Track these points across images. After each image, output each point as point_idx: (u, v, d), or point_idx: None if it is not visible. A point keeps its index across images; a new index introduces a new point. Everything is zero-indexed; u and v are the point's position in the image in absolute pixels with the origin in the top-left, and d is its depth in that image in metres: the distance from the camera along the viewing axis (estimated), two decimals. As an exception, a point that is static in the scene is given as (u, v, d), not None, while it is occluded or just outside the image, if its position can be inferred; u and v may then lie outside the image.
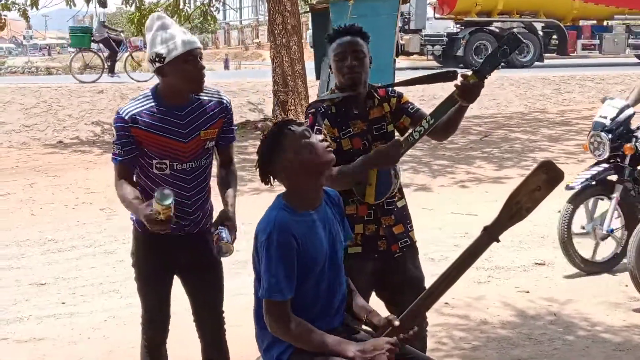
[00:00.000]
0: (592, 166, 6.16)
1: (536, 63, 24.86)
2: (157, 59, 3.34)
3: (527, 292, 5.80)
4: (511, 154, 11.74)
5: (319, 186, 3.07)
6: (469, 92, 3.39)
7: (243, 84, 17.90)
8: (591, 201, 6.18)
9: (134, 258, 3.66)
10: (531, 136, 13.20)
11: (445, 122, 3.55)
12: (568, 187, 5.91)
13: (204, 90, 3.50)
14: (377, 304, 3.81)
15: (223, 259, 3.52)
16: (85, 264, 6.72)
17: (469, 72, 3.39)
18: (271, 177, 3.05)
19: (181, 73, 3.34)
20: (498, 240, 3.01)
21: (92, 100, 14.81)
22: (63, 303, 5.81)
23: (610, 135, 6.03)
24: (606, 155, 6.05)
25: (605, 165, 6.07)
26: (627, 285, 5.96)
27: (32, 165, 11.19)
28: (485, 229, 3.00)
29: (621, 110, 6.08)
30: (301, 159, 2.97)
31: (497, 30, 25.25)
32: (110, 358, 4.79)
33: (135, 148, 3.42)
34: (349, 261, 3.33)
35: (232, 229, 3.45)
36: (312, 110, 3.64)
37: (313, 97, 15.29)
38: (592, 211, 6.21)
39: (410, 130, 3.63)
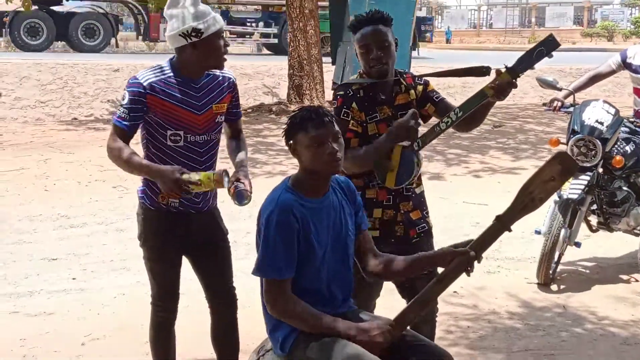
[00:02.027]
0: (578, 173, 5.71)
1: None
2: (193, 34, 3.40)
3: (537, 283, 5.79)
4: (526, 144, 11.70)
5: (325, 180, 3.08)
6: (501, 89, 3.39)
7: (258, 67, 17.88)
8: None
9: (143, 238, 3.67)
10: (546, 128, 13.14)
11: (471, 115, 3.56)
12: (563, 198, 5.66)
13: None
14: (389, 290, 3.83)
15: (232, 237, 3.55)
16: (96, 241, 6.75)
17: (503, 70, 3.37)
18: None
19: (212, 49, 3.44)
20: (510, 230, 3.01)
21: (107, 79, 14.84)
22: (74, 279, 5.84)
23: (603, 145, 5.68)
24: (594, 163, 5.71)
25: (590, 173, 5.72)
26: (636, 280, 5.96)
27: (47, 141, 11.23)
28: (498, 218, 3.01)
29: (615, 117, 5.81)
30: (308, 155, 2.98)
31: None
32: (119, 334, 4.82)
33: (143, 116, 3.45)
34: None
35: (247, 185, 3.48)
36: (341, 93, 3.66)
37: (328, 82, 15.28)
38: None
39: (438, 121, 3.64)
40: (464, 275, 3.04)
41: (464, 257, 3.00)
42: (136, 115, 3.44)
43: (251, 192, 3.50)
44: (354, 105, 3.60)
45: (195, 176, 3.31)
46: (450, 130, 3.70)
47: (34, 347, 4.62)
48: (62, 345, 4.65)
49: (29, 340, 4.70)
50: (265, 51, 29.30)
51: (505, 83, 3.37)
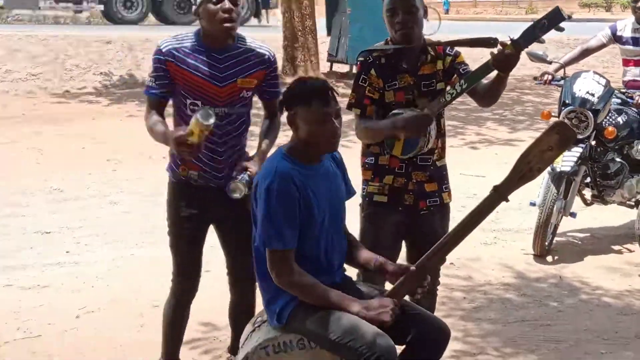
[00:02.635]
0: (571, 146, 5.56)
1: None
2: (198, 1, 3.40)
3: (533, 254, 5.78)
4: (523, 116, 11.68)
5: (319, 150, 3.05)
6: (503, 61, 3.33)
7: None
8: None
9: (166, 211, 3.63)
10: (544, 99, 13.11)
11: (486, 90, 3.53)
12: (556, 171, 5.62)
13: (249, 41, 3.54)
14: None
15: None
16: (90, 214, 6.71)
17: (508, 42, 3.32)
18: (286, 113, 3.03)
19: (209, 15, 3.37)
20: (507, 200, 2.99)
21: (99, 51, 14.71)
22: (67, 252, 5.81)
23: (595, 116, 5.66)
24: (587, 135, 5.68)
25: (582, 145, 5.69)
26: (630, 251, 5.96)
27: (39, 114, 11.15)
28: (495, 188, 2.99)
29: (606, 88, 5.77)
30: (309, 130, 2.94)
31: None
32: (113, 307, 4.80)
33: (169, 84, 3.43)
34: (375, 207, 3.52)
35: (252, 173, 3.40)
36: (362, 59, 3.64)
37: (323, 53, 15.19)
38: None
39: (443, 92, 3.59)
40: (460, 245, 3.03)
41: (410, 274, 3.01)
42: (162, 82, 3.43)
43: (252, 183, 3.41)
44: (372, 72, 3.57)
45: (193, 125, 3.18)
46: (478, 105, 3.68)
47: (28, 319, 4.59)
48: (57, 318, 4.63)
49: (23, 313, 4.68)
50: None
51: (508, 56, 3.32)
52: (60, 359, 4.16)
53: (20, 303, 4.84)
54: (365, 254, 3.24)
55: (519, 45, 3.31)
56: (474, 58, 9.10)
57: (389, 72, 3.59)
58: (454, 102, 3.61)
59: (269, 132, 3.63)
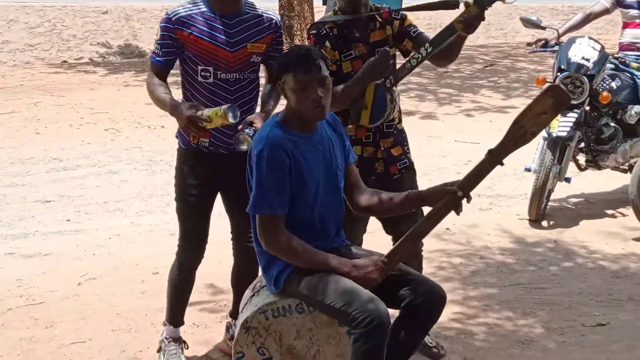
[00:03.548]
0: (566, 111, 5.71)
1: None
2: None
3: (528, 219, 5.84)
4: (517, 83, 11.68)
5: (311, 121, 3.08)
6: (469, 23, 3.37)
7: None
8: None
9: (175, 175, 3.66)
10: (538, 66, 13.09)
11: (445, 49, 3.54)
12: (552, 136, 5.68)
13: (256, 7, 3.56)
14: (375, 226, 3.86)
15: None
16: (89, 183, 6.76)
17: (471, 2, 3.35)
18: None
19: None
20: (502, 164, 3.02)
21: (96, 21, 14.65)
22: (68, 220, 5.86)
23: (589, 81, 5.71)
24: (582, 100, 5.73)
25: (577, 110, 5.74)
26: (624, 215, 6.02)
27: (37, 84, 11.14)
28: (490, 152, 3.02)
29: (601, 53, 5.82)
30: (295, 99, 2.98)
31: None
32: (115, 274, 4.86)
33: (175, 52, 3.46)
34: None
35: (257, 129, 3.42)
36: (314, 32, 3.65)
37: (319, 22, 15.11)
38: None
39: (409, 57, 3.63)
40: (455, 213, 3.07)
41: (452, 196, 3.02)
42: (168, 50, 3.45)
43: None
44: (327, 44, 3.58)
45: (206, 112, 3.26)
46: (442, 69, 3.71)
47: (30, 287, 4.65)
48: (59, 285, 4.69)
49: (26, 281, 4.74)
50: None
51: (473, 17, 3.35)
52: (63, 325, 4.21)
53: (22, 271, 4.90)
54: (395, 198, 3.23)
55: (482, 4, 3.33)
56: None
57: (342, 42, 3.60)
58: (421, 66, 3.63)
59: (272, 93, 3.63)
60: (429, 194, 3.13)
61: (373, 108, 3.55)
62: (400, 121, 3.78)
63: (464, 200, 3.04)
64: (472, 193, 3.05)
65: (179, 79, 3.57)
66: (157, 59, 3.48)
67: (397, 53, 3.75)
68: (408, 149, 3.81)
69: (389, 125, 3.69)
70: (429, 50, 3.49)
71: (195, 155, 3.56)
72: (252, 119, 3.43)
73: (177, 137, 3.64)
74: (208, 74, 3.43)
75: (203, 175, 3.57)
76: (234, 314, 3.91)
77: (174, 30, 3.42)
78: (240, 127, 3.38)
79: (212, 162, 3.55)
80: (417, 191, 3.28)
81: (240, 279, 3.81)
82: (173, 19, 3.42)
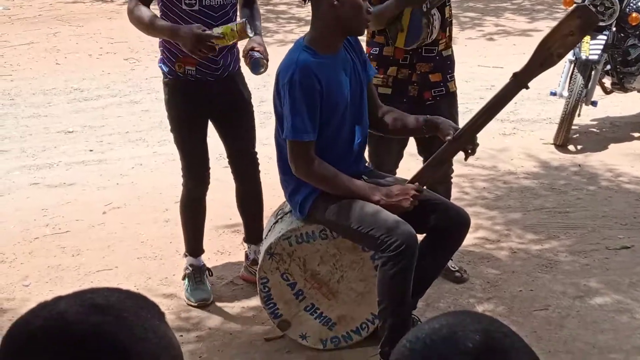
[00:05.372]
0: (595, 33, 5.60)
1: None
2: None
3: (553, 144, 5.78)
4: (542, 5, 11.43)
5: (343, 38, 3.04)
6: None
7: None
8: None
9: (166, 109, 3.66)
10: (563, -13, 12.81)
11: None
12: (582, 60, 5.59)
13: None
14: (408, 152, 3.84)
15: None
16: (111, 113, 6.75)
17: None
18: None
19: None
20: (527, 87, 2.99)
21: (112, -51, 14.47)
22: (91, 150, 5.88)
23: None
24: (611, 22, 5.63)
25: (607, 32, 5.63)
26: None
27: (55, 14, 11.06)
28: (515, 75, 2.98)
29: None
30: (341, 12, 2.91)
31: None
32: (139, 203, 4.90)
33: None
34: (380, 101, 3.36)
35: (262, 52, 3.42)
36: None
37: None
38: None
39: None
40: (479, 137, 3.05)
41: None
42: None
43: (267, 60, 3.45)
44: None
45: (217, 30, 3.22)
46: None
47: (55, 216, 4.70)
48: (84, 214, 4.73)
49: (51, 210, 4.78)
50: None
51: None
52: (89, 253, 4.27)
53: (47, 201, 4.95)
54: (410, 121, 3.24)
55: None
56: None
57: None
58: None
59: (255, 15, 3.62)
60: (442, 126, 3.10)
61: (409, 31, 3.50)
62: (447, 48, 3.71)
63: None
64: (495, 117, 3.02)
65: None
66: None
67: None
68: (451, 77, 3.74)
69: (429, 50, 3.63)
70: None
71: (182, 85, 3.54)
72: (252, 44, 3.41)
73: (160, 67, 3.60)
74: (194, 2, 3.38)
75: (193, 103, 3.56)
76: (248, 238, 3.94)
77: None
78: (244, 54, 3.37)
79: (200, 90, 3.53)
80: (434, 119, 3.20)
81: (244, 202, 3.87)
82: None
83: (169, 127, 3.71)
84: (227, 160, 3.86)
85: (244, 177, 3.79)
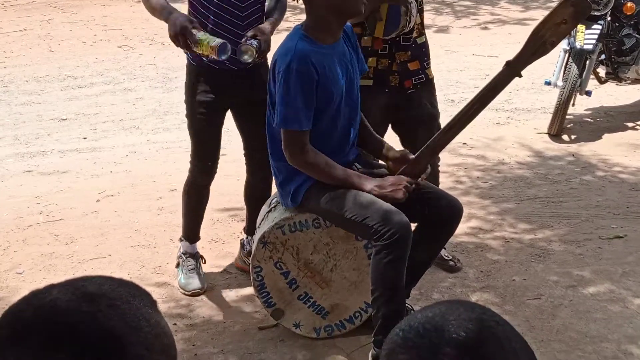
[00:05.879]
0: (589, 23, 5.65)
1: None
2: None
3: (547, 133, 5.79)
4: (536, -6, 11.45)
5: (341, 24, 3.02)
6: None
7: None
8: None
9: (185, 91, 3.62)
10: (558, -23, 12.79)
11: None
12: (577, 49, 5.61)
13: None
14: (393, 140, 3.84)
15: None
16: (105, 101, 6.74)
17: None
18: None
19: None
20: (520, 76, 2.98)
21: None
22: (85, 138, 5.87)
23: None
24: (606, 11, 5.64)
25: (601, 22, 5.66)
26: (645, 127, 5.97)
27: (49, 1, 11.01)
28: (508, 63, 2.97)
29: None
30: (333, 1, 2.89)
31: None
32: (132, 191, 4.89)
33: None
34: (361, 93, 3.30)
35: (263, 42, 3.35)
36: None
37: None
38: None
39: None
40: (473, 126, 3.04)
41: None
42: None
43: (265, 50, 3.38)
44: None
45: (200, 35, 3.17)
46: None
47: (49, 204, 4.69)
48: (77, 202, 4.72)
49: (45, 198, 4.77)
50: None
51: None
52: (83, 241, 4.26)
53: (41, 188, 4.93)
54: (375, 137, 3.29)
55: None
56: None
57: None
58: None
59: (277, 7, 3.56)
60: (391, 156, 3.18)
61: (387, 20, 3.48)
62: (420, 35, 3.70)
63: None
64: (489, 107, 3.02)
65: None
66: None
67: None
68: (428, 64, 3.73)
69: (406, 38, 3.62)
70: None
71: (205, 72, 3.51)
72: (256, 31, 3.36)
73: (186, 52, 3.58)
74: None
75: (213, 91, 3.52)
76: (249, 230, 3.93)
77: None
78: (244, 39, 3.33)
79: (222, 78, 3.50)
80: (387, 146, 3.27)
81: (253, 195, 3.83)
82: None
83: (185, 112, 3.65)
84: (225, 148, 3.81)
85: (258, 171, 3.76)
